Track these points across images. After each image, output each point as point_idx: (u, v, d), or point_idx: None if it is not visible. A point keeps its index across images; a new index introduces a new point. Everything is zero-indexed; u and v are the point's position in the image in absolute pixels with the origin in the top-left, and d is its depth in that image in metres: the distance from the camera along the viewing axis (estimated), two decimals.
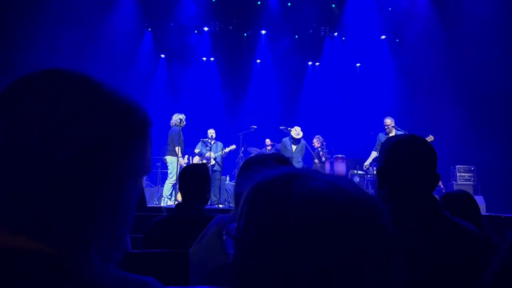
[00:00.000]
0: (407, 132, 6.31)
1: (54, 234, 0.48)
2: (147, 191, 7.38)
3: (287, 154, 6.71)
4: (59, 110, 0.48)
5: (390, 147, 1.23)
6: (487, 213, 5.34)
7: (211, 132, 6.97)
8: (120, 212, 0.53)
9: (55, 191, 0.47)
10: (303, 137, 7.15)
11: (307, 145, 7.21)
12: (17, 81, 0.51)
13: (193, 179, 2.10)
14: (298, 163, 6.72)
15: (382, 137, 6.46)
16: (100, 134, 0.50)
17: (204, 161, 6.66)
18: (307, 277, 0.42)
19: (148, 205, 6.03)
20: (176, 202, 5.65)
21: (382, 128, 6.56)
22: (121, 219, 0.54)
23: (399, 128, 6.42)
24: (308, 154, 7.35)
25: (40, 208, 0.46)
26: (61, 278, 0.43)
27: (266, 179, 0.50)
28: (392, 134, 6.34)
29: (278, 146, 7.28)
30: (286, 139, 7.07)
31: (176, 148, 6.28)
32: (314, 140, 7.39)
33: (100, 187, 0.51)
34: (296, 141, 6.95)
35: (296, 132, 6.98)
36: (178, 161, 6.25)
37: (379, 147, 6.54)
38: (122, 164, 0.52)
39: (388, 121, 6.41)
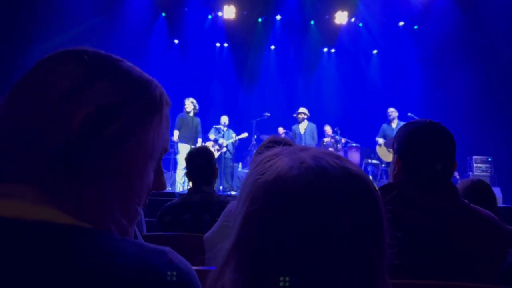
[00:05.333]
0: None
1: (72, 205, 0.49)
2: None
3: (297, 139, 6.69)
4: (72, 76, 0.51)
5: (410, 134, 1.22)
6: (504, 205, 5.25)
7: (224, 119, 6.96)
8: (134, 188, 0.54)
9: (64, 159, 0.48)
10: (317, 123, 7.11)
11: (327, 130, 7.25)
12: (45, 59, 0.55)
13: (197, 163, 2.11)
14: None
15: (385, 128, 6.60)
16: (111, 102, 0.52)
17: (217, 147, 6.69)
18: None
19: (161, 191, 6.09)
20: (188, 187, 5.70)
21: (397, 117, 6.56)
22: (135, 196, 0.55)
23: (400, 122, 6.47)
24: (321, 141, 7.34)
25: (49, 173, 0.47)
26: (85, 247, 0.44)
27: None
28: (394, 123, 6.42)
29: (292, 134, 7.26)
30: (294, 126, 7.06)
31: (175, 132, 6.32)
32: (327, 128, 7.37)
33: (112, 159, 0.51)
34: (300, 122, 6.97)
35: (298, 112, 6.98)
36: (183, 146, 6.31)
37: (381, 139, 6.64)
38: (136, 136, 0.54)
39: (392, 109, 6.58)
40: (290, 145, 1.42)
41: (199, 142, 6.63)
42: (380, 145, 6.72)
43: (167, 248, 0.50)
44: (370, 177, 5.87)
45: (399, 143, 1.24)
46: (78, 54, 0.55)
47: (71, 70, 0.52)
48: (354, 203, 0.46)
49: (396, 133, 1.30)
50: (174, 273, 0.47)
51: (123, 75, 0.56)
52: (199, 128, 6.58)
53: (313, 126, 7.01)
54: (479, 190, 1.98)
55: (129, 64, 0.58)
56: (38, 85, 0.51)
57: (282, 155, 0.51)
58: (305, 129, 6.90)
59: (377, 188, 0.50)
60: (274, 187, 0.47)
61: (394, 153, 1.27)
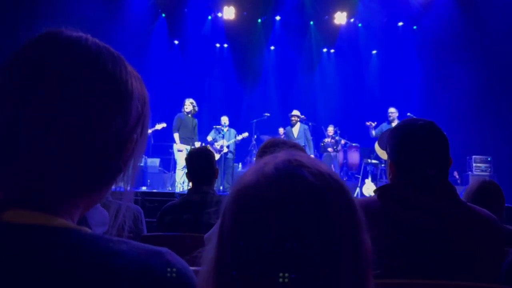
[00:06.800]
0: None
1: (76, 210, 0.51)
2: (161, 177, 7.46)
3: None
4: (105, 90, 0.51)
5: (403, 136, 1.21)
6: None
7: (224, 119, 6.96)
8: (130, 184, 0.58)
9: (90, 169, 0.50)
10: (317, 123, 7.14)
11: (324, 130, 7.26)
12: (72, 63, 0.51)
13: (197, 163, 2.11)
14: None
15: (385, 127, 6.57)
16: (137, 112, 0.55)
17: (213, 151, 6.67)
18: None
19: (162, 191, 6.12)
20: (188, 187, 5.69)
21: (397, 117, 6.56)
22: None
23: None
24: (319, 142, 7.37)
25: (68, 185, 0.48)
26: (83, 249, 0.45)
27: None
28: (394, 123, 6.45)
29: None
30: (288, 128, 7.15)
31: (174, 135, 6.33)
32: (329, 128, 7.39)
33: (127, 165, 0.56)
34: (293, 125, 7.08)
35: (291, 114, 7.09)
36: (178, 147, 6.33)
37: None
38: (143, 139, 0.57)
39: (393, 109, 6.58)
40: (284, 145, 1.43)
41: (197, 144, 6.63)
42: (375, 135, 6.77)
43: (164, 249, 0.50)
44: (368, 180, 5.77)
45: (392, 146, 1.23)
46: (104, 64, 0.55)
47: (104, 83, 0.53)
48: (315, 206, 0.45)
49: (388, 136, 1.27)
50: (173, 273, 0.48)
51: (139, 79, 0.58)
52: (196, 129, 6.59)
53: (305, 127, 7.16)
54: (490, 190, 1.99)
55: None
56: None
57: (251, 166, 0.52)
58: (298, 131, 7.02)
59: (346, 190, 0.49)
60: (236, 197, 0.49)
61: (388, 158, 1.27)
